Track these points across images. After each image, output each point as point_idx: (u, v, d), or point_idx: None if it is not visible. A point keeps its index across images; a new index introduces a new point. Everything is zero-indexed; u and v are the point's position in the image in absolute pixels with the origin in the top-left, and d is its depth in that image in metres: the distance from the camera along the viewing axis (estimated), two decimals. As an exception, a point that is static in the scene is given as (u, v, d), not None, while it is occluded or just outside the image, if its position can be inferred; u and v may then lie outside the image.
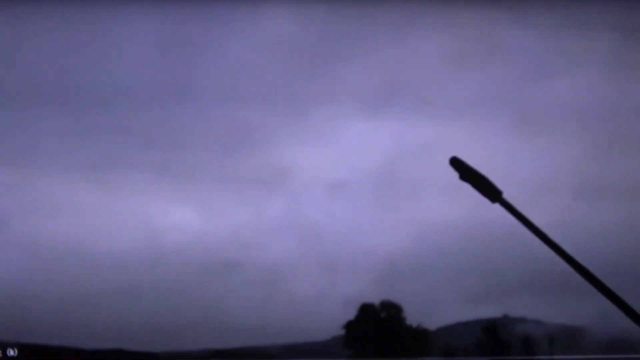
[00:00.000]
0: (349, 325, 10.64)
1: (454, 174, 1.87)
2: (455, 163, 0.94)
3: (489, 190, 0.92)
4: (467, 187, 1.82)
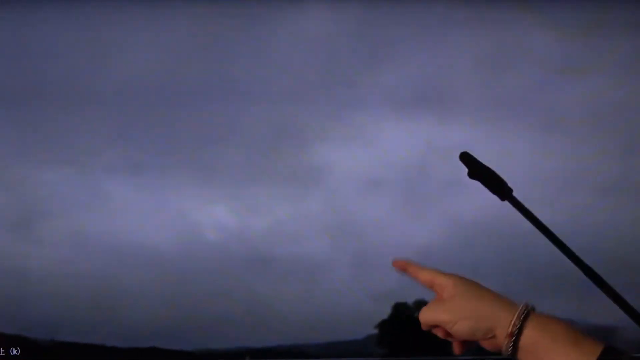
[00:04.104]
0: (383, 324, 10.57)
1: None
2: (466, 158, 0.95)
3: (499, 188, 0.94)
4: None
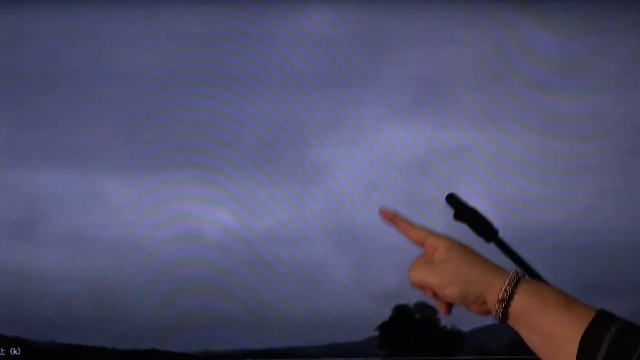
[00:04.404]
0: (383, 326, 10.48)
1: (483, 176, 1.89)
2: (452, 200, 0.97)
3: (485, 230, 0.96)
4: (497, 190, 1.85)
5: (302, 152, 2.08)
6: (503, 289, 0.86)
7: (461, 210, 0.95)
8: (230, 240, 2.17)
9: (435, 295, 0.94)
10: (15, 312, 2.24)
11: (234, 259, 2.15)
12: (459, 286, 0.90)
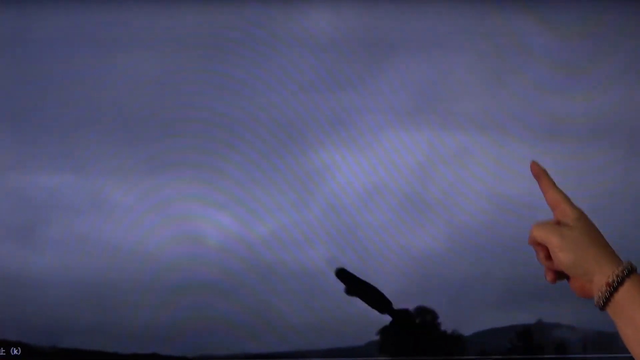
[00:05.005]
0: (384, 331, 10.55)
1: (487, 179, 1.88)
2: (342, 275, 0.98)
3: (378, 303, 0.97)
4: (499, 193, 1.84)
5: (304, 153, 2.07)
6: (615, 274, 0.86)
7: (353, 284, 0.96)
8: (231, 243, 2.16)
9: (546, 257, 0.94)
10: (14, 316, 2.23)
11: (235, 262, 2.14)
12: (575, 254, 0.90)
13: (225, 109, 2.28)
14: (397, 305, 2.47)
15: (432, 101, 2.04)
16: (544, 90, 2.07)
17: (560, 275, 0.99)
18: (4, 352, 2.14)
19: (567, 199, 1.00)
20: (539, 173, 1.04)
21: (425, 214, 2.04)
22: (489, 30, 2.01)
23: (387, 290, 2.29)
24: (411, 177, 2.08)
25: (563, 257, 0.95)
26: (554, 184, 1.02)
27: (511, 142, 1.93)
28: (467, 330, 3.24)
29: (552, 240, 0.96)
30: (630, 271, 0.91)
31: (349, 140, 2.14)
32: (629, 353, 0.93)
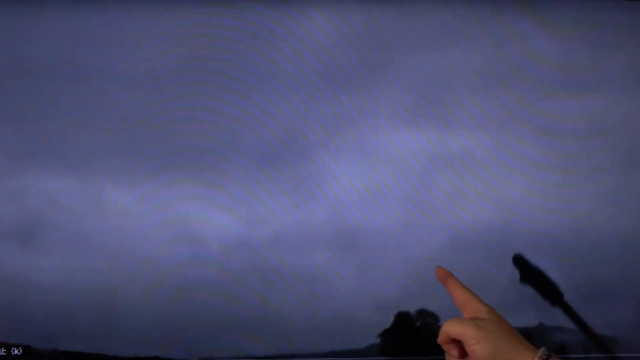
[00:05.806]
0: (385, 333, 10.46)
1: (489, 184, 1.87)
2: (518, 262, 0.99)
3: (550, 293, 0.98)
4: (502, 195, 1.83)
5: (307, 155, 2.07)
6: (539, 357, 0.87)
7: (527, 272, 0.96)
8: (233, 245, 2.16)
9: (461, 354, 0.94)
10: (14, 320, 2.23)
11: (237, 264, 2.14)
12: (493, 344, 0.91)
13: (227, 109, 2.27)
14: (398, 307, 2.46)
15: (435, 102, 2.04)
16: (547, 91, 2.07)
17: None
18: (4, 352, 2.14)
19: (476, 297, 1.00)
20: (446, 276, 1.05)
21: (427, 215, 2.03)
22: (492, 30, 2.01)
23: (389, 292, 2.27)
24: (414, 178, 2.08)
25: (481, 349, 0.94)
26: (461, 285, 1.02)
27: (514, 142, 1.92)
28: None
29: (468, 332, 0.96)
30: (548, 356, 0.92)
31: (351, 142, 2.14)
32: (630, 353, 0.93)
